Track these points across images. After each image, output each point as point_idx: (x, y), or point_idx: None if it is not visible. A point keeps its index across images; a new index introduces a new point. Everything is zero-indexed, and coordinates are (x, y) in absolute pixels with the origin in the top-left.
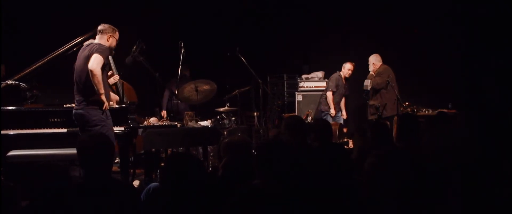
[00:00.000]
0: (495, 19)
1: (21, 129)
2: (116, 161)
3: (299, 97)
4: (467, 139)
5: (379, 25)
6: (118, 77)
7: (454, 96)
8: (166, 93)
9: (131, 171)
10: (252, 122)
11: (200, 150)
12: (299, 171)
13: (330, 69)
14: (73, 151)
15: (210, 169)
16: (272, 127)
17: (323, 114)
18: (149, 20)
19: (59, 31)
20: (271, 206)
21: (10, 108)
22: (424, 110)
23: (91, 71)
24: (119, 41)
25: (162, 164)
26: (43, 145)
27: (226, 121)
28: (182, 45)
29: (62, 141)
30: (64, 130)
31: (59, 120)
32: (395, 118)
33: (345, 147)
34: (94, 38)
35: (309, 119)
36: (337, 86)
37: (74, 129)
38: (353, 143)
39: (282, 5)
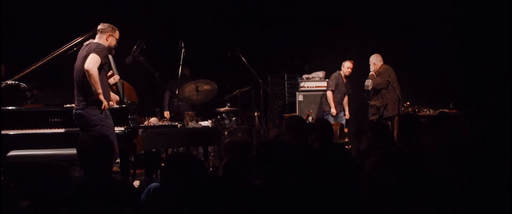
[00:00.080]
0: (496, 18)
1: (21, 129)
2: (116, 161)
3: (300, 97)
4: (468, 139)
5: (380, 25)
6: (118, 77)
7: (455, 97)
8: (167, 94)
9: (131, 171)
10: (253, 122)
11: (201, 150)
12: (300, 171)
13: (331, 69)
14: (73, 151)
15: (211, 169)
16: (273, 127)
17: (325, 114)
18: (149, 20)
19: (59, 31)
20: (271, 206)
21: (10, 108)
22: (425, 110)
23: (87, 71)
24: (119, 41)
25: (163, 164)
26: (43, 145)
27: (226, 121)
28: (182, 45)
29: (62, 141)
30: (64, 130)
31: (59, 120)
32: (396, 118)
33: (346, 147)
34: (94, 38)
35: (310, 119)
36: (337, 85)
37: (71, 129)
38: (351, 145)
39: (283, 5)
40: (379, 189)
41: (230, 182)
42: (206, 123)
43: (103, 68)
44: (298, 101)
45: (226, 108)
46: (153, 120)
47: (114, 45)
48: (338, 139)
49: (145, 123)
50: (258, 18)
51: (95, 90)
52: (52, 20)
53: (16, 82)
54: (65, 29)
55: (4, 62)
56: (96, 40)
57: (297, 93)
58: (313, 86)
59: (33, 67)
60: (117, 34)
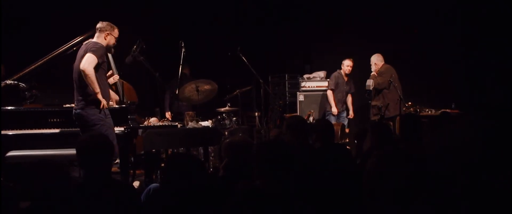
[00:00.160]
0: (497, 18)
1: (20, 129)
2: (116, 161)
3: (300, 97)
4: (471, 139)
5: (381, 24)
6: (117, 77)
7: (458, 97)
8: (168, 95)
9: (131, 171)
10: (254, 122)
11: (201, 150)
12: (301, 171)
13: (332, 69)
14: (73, 151)
15: (211, 169)
16: (274, 127)
17: (327, 113)
18: (149, 20)
19: (59, 31)
20: (272, 207)
21: (9, 108)
22: (427, 110)
23: (83, 71)
24: (119, 39)
25: (163, 165)
26: (43, 146)
27: (227, 121)
28: (182, 45)
29: (61, 141)
30: (64, 130)
31: (58, 120)
32: (398, 118)
33: (347, 147)
34: (93, 37)
35: (311, 119)
36: (336, 84)
37: (71, 129)
38: (352, 145)
39: (284, 5)
40: (379, 190)
41: (230, 183)
42: (207, 123)
43: (101, 67)
44: (299, 101)
45: (227, 108)
46: (153, 120)
47: (113, 44)
48: (339, 139)
49: (145, 123)
50: (259, 18)
51: (93, 90)
52: (52, 20)
53: (15, 82)
54: (65, 29)
55: (4, 62)
56: (94, 39)
57: (298, 93)
58: (314, 86)
59: (32, 67)
60: (116, 32)
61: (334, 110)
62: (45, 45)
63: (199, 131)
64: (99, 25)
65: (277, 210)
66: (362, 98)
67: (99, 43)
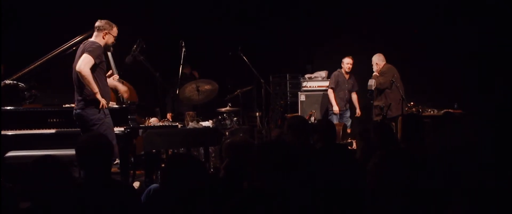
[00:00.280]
0: (501, 17)
1: (20, 129)
2: (116, 162)
3: (302, 97)
4: (473, 140)
5: (382, 24)
6: (117, 76)
7: (460, 97)
8: (170, 95)
9: (131, 172)
10: (254, 122)
11: (202, 150)
12: (302, 172)
13: (333, 69)
14: (73, 151)
15: (212, 170)
16: (275, 127)
17: (329, 113)
18: (150, 20)
19: (59, 31)
20: (273, 207)
21: (8, 108)
22: (430, 110)
23: (79, 72)
24: (118, 38)
25: (163, 165)
26: (42, 146)
27: (227, 121)
28: (183, 45)
29: (61, 141)
30: (63, 130)
31: (58, 120)
32: (400, 118)
33: (349, 147)
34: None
35: (313, 119)
36: (337, 82)
37: (71, 129)
38: (356, 144)
39: (285, 4)
40: (381, 190)
41: (231, 183)
42: (207, 123)
43: (99, 67)
44: (300, 101)
45: (227, 108)
46: (153, 120)
47: (112, 43)
48: (341, 139)
49: (145, 123)
50: (260, 18)
51: (91, 90)
52: (52, 20)
53: (15, 82)
54: (65, 29)
55: (4, 62)
56: (92, 39)
57: (299, 93)
58: (315, 86)
59: (32, 66)
60: (114, 31)
61: (335, 108)
62: (44, 45)
63: (199, 131)
64: (97, 23)
65: (278, 211)
66: (364, 98)
67: (97, 42)
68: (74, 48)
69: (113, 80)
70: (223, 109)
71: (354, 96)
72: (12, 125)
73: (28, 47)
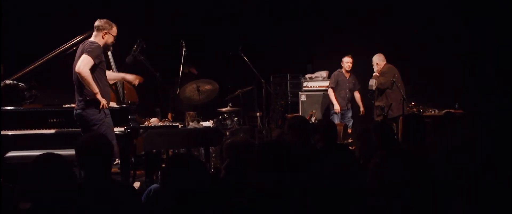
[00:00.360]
0: (501, 17)
1: (20, 129)
2: (116, 162)
3: (302, 97)
4: (474, 140)
5: (382, 24)
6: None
7: (461, 97)
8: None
9: (132, 172)
10: (255, 122)
11: (202, 151)
12: (303, 172)
13: (334, 69)
14: (73, 151)
15: (212, 170)
16: (275, 128)
17: (331, 113)
18: (150, 20)
19: (59, 31)
20: (274, 207)
21: (8, 108)
22: (431, 110)
23: (78, 73)
24: (118, 38)
25: (163, 165)
26: (42, 146)
27: (228, 121)
28: (183, 44)
29: (61, 141)
30: (64, 130)
31: (58, 120)
32: (401, 118)
33: (350, 147)
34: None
35: (313, 119)
36: (337, 82)
37: (71, 129)
38: (355, 145)
39: (286, 4)
40: (382, 190)
41: (232, 184)
42: (208, 123)
43: (99, 67)
44: (301, 101)
45: (228, 108)
46: (154, 120)
47: (112, 42)
48: (342, 139)
49: (146, 123)
50: (260, 18)
51: (91, 90)
52: (52, 20)
53: (15, 82)
54: (65, 29)
55: (3, 62)
56: (92, 39)
57: (300, 93)
58: (316, 86)
59: (32, 66)
60: (114, 30)
61: (337, 107)
62: (44, 45)
63: (200, 131)
64: (97, 23)
65: (278, 211)
66: (365, 98)
67: (96, 42)
68: (74, 48)
69: (119, 73)
70: (224, 109)
71: (357, 95)
72: (12, 125)
73: (28, 47)
